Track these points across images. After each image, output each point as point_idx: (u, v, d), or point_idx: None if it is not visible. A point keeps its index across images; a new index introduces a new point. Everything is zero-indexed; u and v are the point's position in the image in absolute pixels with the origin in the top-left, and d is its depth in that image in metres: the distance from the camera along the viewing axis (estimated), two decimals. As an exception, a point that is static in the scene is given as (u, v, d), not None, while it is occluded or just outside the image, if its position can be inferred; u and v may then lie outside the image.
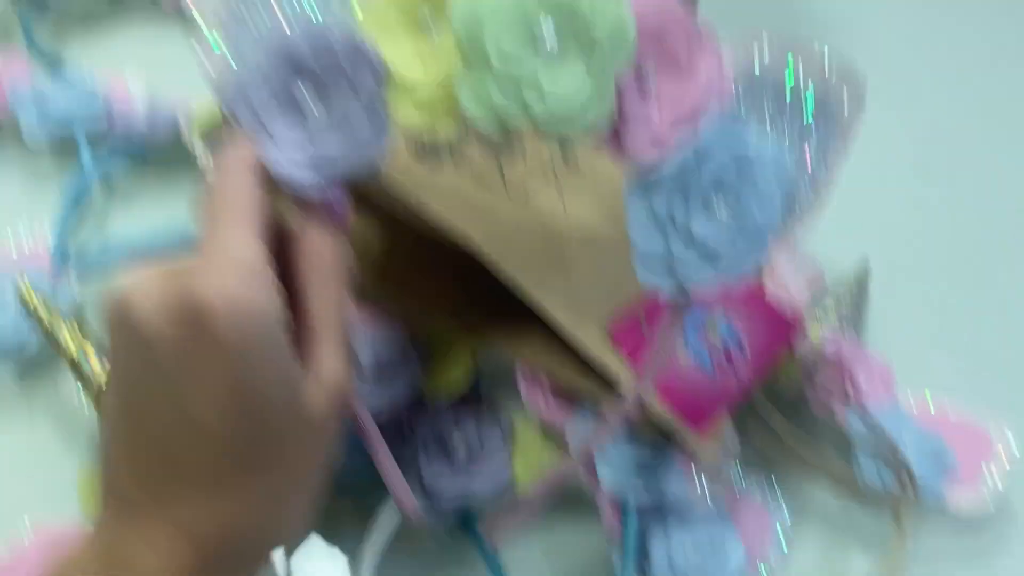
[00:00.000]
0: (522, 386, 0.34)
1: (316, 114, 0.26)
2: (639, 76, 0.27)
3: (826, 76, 0.30)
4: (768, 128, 0.29)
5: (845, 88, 0.30)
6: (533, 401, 0.35)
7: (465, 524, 0.37)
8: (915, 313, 0.46)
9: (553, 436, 0.37)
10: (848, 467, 0.39)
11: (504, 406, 0.37)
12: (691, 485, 0.36)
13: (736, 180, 0.27)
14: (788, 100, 0.29)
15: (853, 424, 0.40)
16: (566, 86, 0.25)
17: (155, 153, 0.47)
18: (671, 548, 0.36)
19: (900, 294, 0.46)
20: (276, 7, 0.28)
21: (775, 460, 0.39)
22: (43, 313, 0.37)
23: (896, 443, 0.38)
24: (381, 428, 0.30)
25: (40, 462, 0.38)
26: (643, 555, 0.36)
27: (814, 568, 0.39)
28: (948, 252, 0.49)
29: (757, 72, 0.29)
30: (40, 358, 0.39)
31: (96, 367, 0.35)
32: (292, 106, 0.26)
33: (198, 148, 0.45)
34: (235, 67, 0.27)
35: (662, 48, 0.27)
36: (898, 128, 0.53)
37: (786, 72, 0.29)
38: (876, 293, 0.46)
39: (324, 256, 0.26)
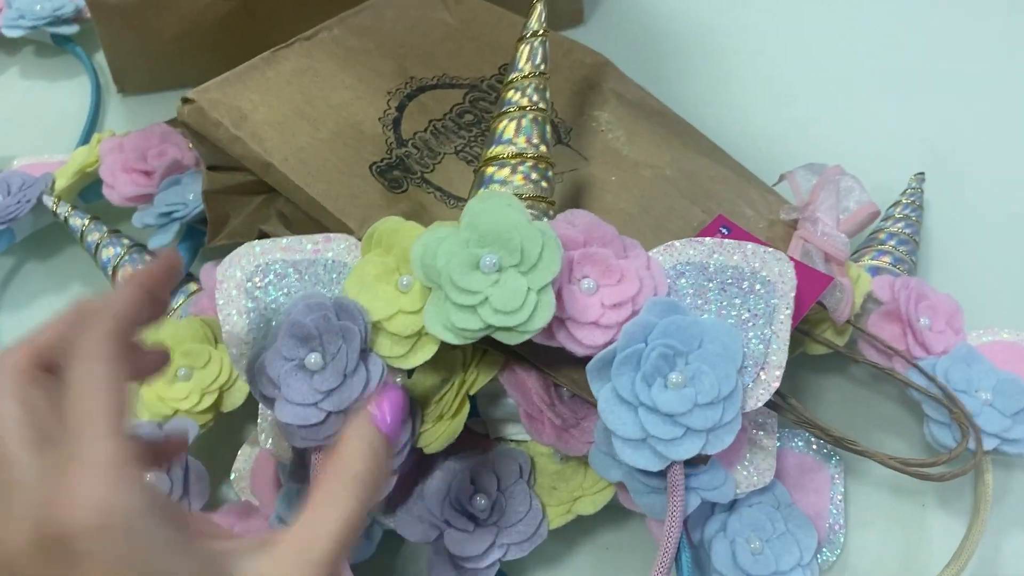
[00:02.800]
0: (526, 422, 0.33)
1: (319, 365, 0.31)
2: (574, 278, 0.32)
3: (761, 258, 0.34)
4: (712, 307, 0.33)
5: (777, 268, 0.34)
6: (543, 436, 0.34)
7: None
8: (978, 248, 0.45)
9: (575, 459, 0.35)
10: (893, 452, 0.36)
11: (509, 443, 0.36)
12: (734, 472, 0.34)
13: (682, 346, 0.31)
14: (729, 280, 0.33)
15: (914, 377, 0.38)
16: (513, 301, 0.30)
17: (25, 232, 0.47)
18: (734, 545, 0.34)
19: (953, 222, 0.46)
20: (283, 289, 0.34)
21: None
22: None
23: (967, 391, 0.37)
24: (389, 499, 0.33)
25: None
26: (705, 555, 0.34)
27: (885, 535, 0.37)
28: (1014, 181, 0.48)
29: (700, 260, 0.34)
30: None
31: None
32: (301, 367, 0.32)
33: (64, 211, 0.44)
34: (255, 351, 0.33)
35: (590, 256, 0.32)
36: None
37: (725, 258, 0.34)
38: (936, 229, 0.45)
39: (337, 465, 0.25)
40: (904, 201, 0.47)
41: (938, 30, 0.60)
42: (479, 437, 0.37)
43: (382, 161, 0.39)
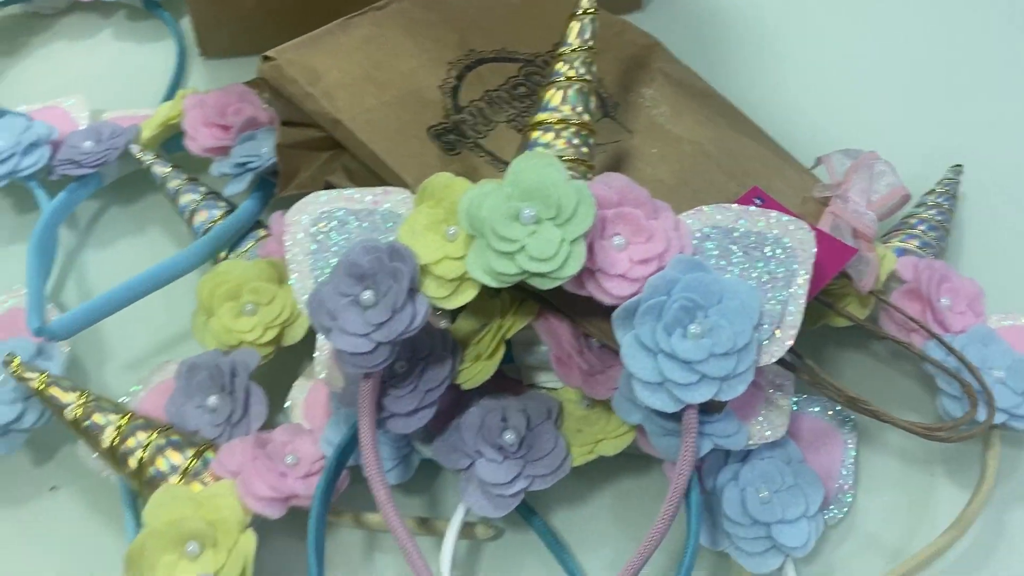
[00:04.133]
0: (556, 366, 0.36)
1: (371, 301, 0.35)
2: (606, 235, 0.34)
3: (784, 226, 0.36)
4: (735, 268, 0.36)
5: (799, 236, 0.36)
6: (571, 379, 0.36)
7: (525, 512, 0.39)
8: (1009, 244, 0.47)
9: (606, 407, 0.38)
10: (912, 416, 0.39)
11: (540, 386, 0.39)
12: (748, 424, 0.36)
13: (703, 300, 0.34)
14: (752, 244, 0.36)
15: (931, 351, 0.40)
16: (548, 249, 0.33)
17: (112, 178, 0.50)
18: (744, 493, 0.36)
19: (990, 213, 0.47)
20: (345, 239, 0.38)
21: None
22: (34, 380, 0.38)
23: (981, 368, 0.38)
24: (436, 422, 0.36)
25: (76, 540, 0.40)
26: (716, 502, 0.37)
27: (892, 501, 0.39)
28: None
29: (726, 225, 0.36)
30: (49, 429, 0.41)
31: (101, 421, 0.38)
32: (355, 303, 0.35)
33: (148, 159, 0.48)
34: (316, 286, 0.36)
35: (623, 215, 0.35)
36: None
37: (750, 224, 0.36)
38: (969, 222, 0.47)
39: None
40: (938, 190, 0.48)
41: (988, 25, 0.61)
42: (513, 382, 0.40)
43: (439, 125, 0.42)
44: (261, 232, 0.46)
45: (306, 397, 0.42)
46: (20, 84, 0.59)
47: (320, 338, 0.40)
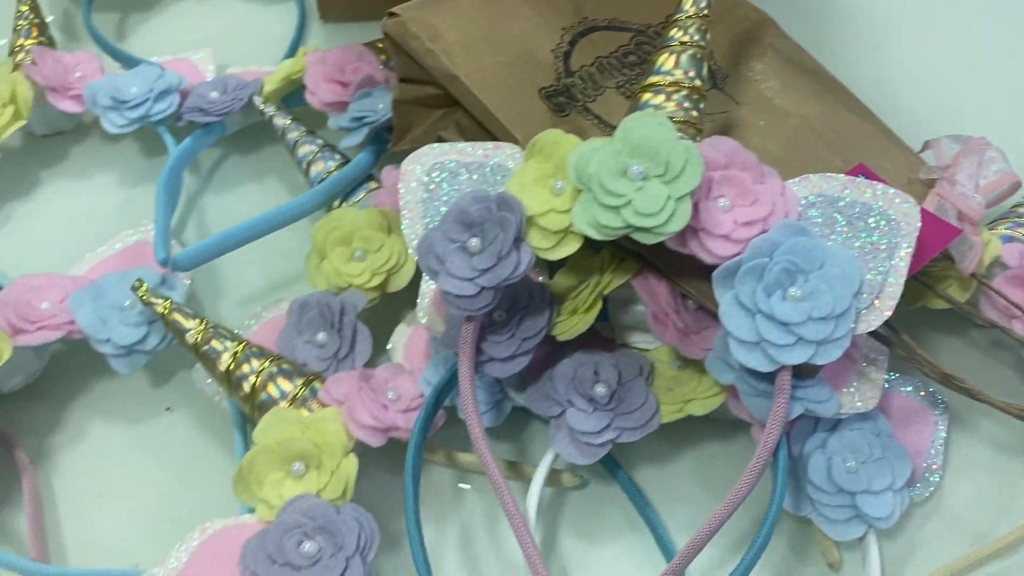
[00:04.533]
0: (652, 323, 0.37)
1: (477, 248, 0.36)
2: (712, 196, 0.35)
3: (889, 199, 0.36)
4: (838, 237, 0.36)
5: (904, 208, 0.36)
6: (666, 336, 0.37)
7: (611, 465, 0.40)
8: None
9: (697, 368, 0.39)
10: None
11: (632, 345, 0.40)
12: (839, 393, 0.36)
13: (805, 265, 0.34)
14: (857, 215, 0.36)
15: None
16: (654, 205, 0.34)
17: (234, 127, 0.53)
18: (830, 461, 0.37)
19: None
20: (454, 190, 0.39)
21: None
22: (159, 305, 0.41)
23: None
24: (529, 372, 0.38)
25: (188, 458, 0.43)
26: (802, 468, 0.37)
27: (980, 486, 0.39)
28: None
29: (832, 194, 0.37)
30: (166, 354, 0.43)
31: (218, 347, 0.40)
32: (462, 249, 0.37)
33: (270, 110, 0.51)
34: (426, 232, 0.38)
35: (730, 178, 0.35)
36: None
37: (856, 194, 0.36)
38: None
39: None
40: (1051, 181, 0.47)
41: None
42: (606, 340, 0.41)
43: (550, 87, 0.43)
44: (373, 184, 0.48)
45: (407, 341, 0.44)
46: (153, 38, 0.63)
47: (423, 286, 0.42)
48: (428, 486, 0.41)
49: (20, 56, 0.55)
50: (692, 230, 0.35)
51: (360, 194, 0.48)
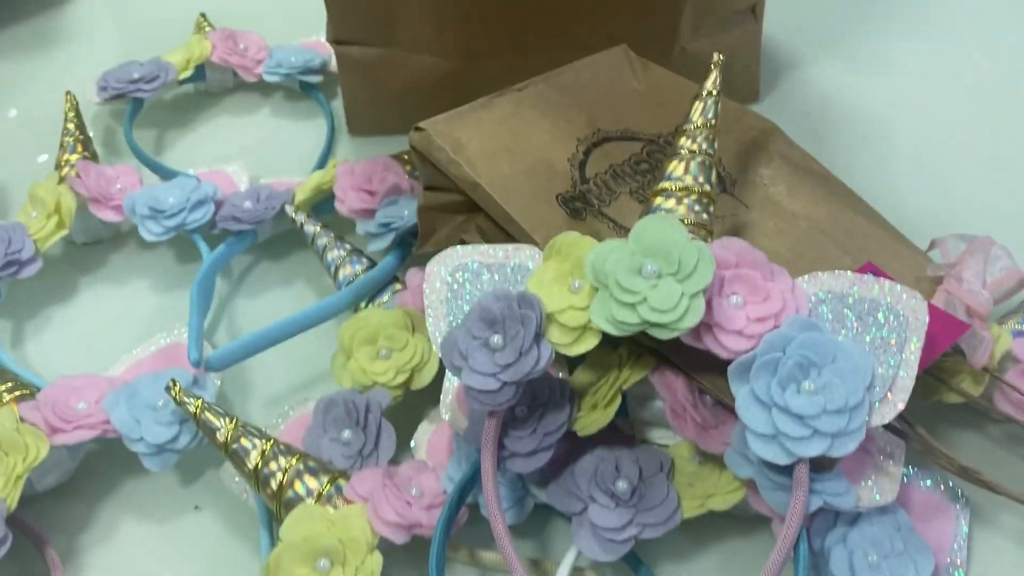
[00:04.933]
0: (671, 418, 0.38)
1: (499, 345, 0.38)
2: (724, 293, 0.37)
3: (897, 295, 0.38)
4: (848, 332, 0.37)
5: (911, 304, 0.37)
6: (685, 431, 0.38)
7: (633, 562, 0.40)
8: None
9: (717, 464, 0.39)
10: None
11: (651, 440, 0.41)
12: (857, 487, 0.36)
13: (817, 359, 0.35)
14: (866, 310, 0.37)
15: None
16: (668, 302, 0.35)
17: (265, 235, 0.56)
18: (852, 555, 0.36)
19: None
20: (477, 289, 0.41)
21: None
22: (191, 404, 0.42)
23: None
24: (550, 468, 0.39)
25: (215, 555, 0.43)
26: (823, 563, 0.37)
27: None
28: None
29: (841, 291, 0.38)
30: (195, 453, 0.45)
31: (247, 445, 0.41)
32: (485, 345, 0.38)
33: (300, 218, 0.53)
34: (450, 330, 0.40)
35: (741, 276, 0.37)
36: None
37: (864, 291, 0.38)
38: None
39: None
40: (1058, 278, 0.49)
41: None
42: (625, 437, 0.42)
43: (567, 193, 0.46)
44: (398, 286, 0.50)
45: (429, 438, 0.45)
46: (191, 151, 0.66)
47: (446, 384, 0.43)
48: (452, 584, 0.42)
49: (65, 170, 0.58)
50: (706, 326, 0.36)
51: (386, 295, 0.50)
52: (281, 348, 0.48)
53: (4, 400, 0.46)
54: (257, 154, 0.65)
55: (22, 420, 0.43)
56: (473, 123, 0.46)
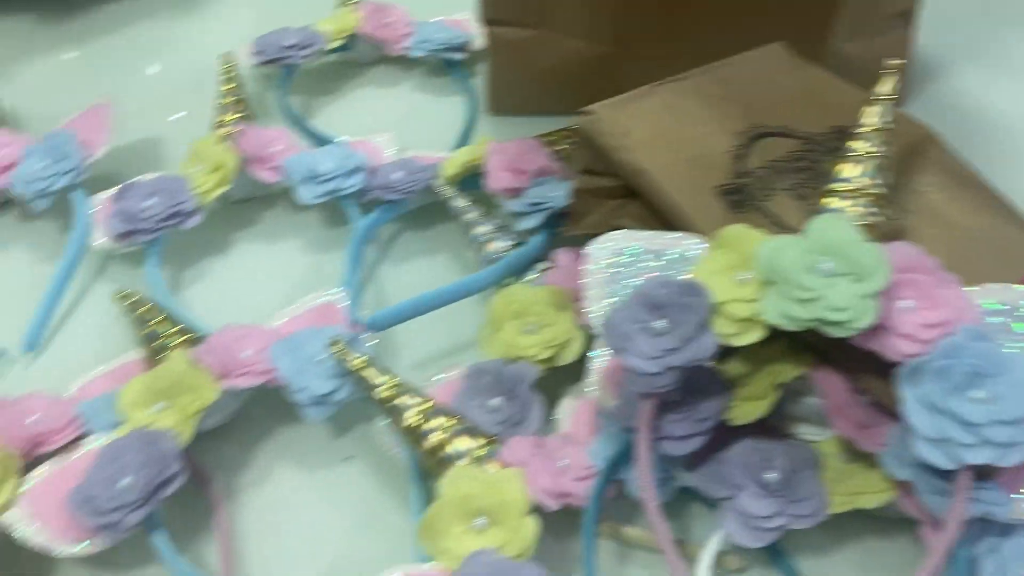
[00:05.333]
0: (830, 415, 0.38)
1: (662, 330, 0.39)
2: (896, 297, 0.37)
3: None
4: (1020, 345, 0.37)
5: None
6: (843, 428, 0.39)
7: (773, 553, 0.41)
8: None
9: (865, 463, 0.40)
10: None
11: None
12: (1016, 497, 0.36)
13: (990, 369, 0.35)
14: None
15: None
16: (844, 301, 0.36)
17: (412, 205, 0.58)
18: (1005, 567, 0.36)
19: None
20: (638, 274, 0.42)
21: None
22: (354, 361, 0.44)
23: None
24: (698, 454, 0.40)
25: (363, 506, 0.45)
26: (972, 570, 0.37)
27: None
28: None
29: (1011, 303, 0.38)
30: (349, 410, 0.47)
31: (406, 403, 0.43)
32: (647, 330, 0.39)
33: (449, 192, 0.55)
34: (611, 311, 0.41)
35: (913, 281, 0.37)
36: None
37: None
38: None
39: None
40: None
41: None
42: (772, 429, 0.43)
43: (726, 186, 0.46)
44: (545, 264, 0.52)
45: (572, 414, 0.46)
46: (333, 120, 0.69)
47: (594, 363, 0.44)
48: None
49: (224, 130, 0.61)
50: (878, 328, 0.37)
51: (532, 274, 0.51)
52: (427, 316, 0.50)
53: (173, 343, 0.48)
54: (397, 127, 0.66)
55: (194, 363, 0.46)
56: (637, 110, 0.47)
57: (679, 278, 0.40)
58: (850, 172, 0.42)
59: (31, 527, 0.41)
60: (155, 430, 0.43)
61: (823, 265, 0.37)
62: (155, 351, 0.48)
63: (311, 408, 0.46)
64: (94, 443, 0.45)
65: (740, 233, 0.40)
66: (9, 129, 0.62)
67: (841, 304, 0.36)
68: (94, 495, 0.41)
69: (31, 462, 0.44)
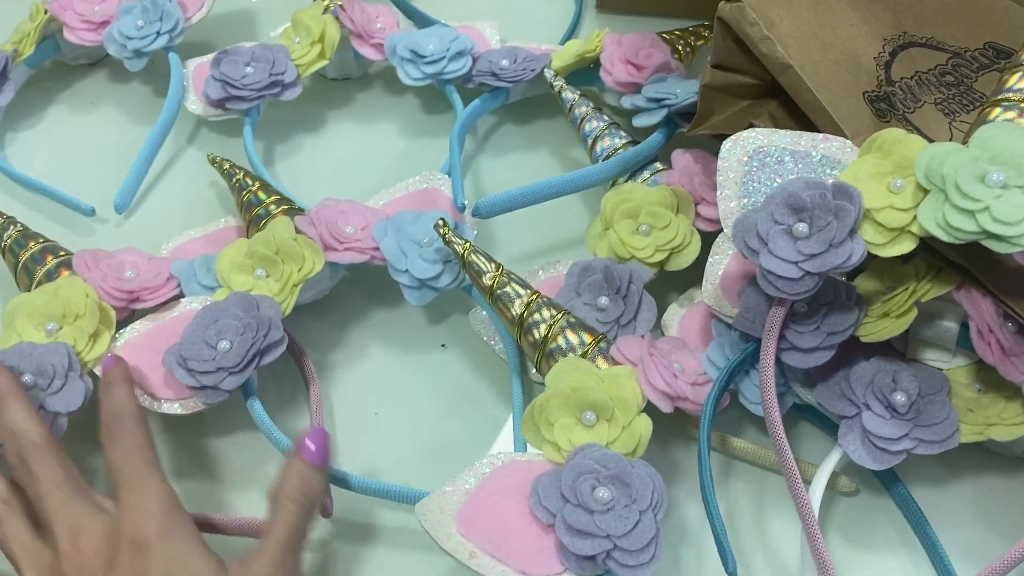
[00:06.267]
0: (975, 338, 0.36)
1: (804, 233, 0.36)
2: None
3: None
4: None
5: None
6: (987, 353, 0.36)
7: (888, 479, 0.40)
8: None
9: (999, 393, 0.38)
10: None
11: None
12: None
13: None
14: None
15: None
16: (1014, 215, 0.33)
17: (516, 97, 0.56)
18: None
19: None
20: (776, 175, 0.40)
21: None
22: (460, 245, 0.42)
23: None
24: (820, 370, 0.38)
25: (458, 393, 0.44)
26: None
27: None
28: None
29: None
30: (442, 297, 0.45)
31: (512, 293, 0.41)
32: (787, 232, 0.37)
33: (559, 84, 0.53)
34: (746, 212, 0.39)
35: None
36: None
37: None
38: None
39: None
40: None
41: None
42: (898, 353, 0.41)
43: (873, 92, 0.43)
44: (658, 165, 0.49)
45: (680, 320, 0.44)
46: (436, 6, 0.65)
47: (709, 268, 0.42)
48: (691, 463, 0.42)
49: (325, 2, 0.58)
50: (1045, 247, 0.34)
51: (645, 174, 0.49)
52: (525, 212, 0.48)
53: (272, 212, 0.47)
54: (500, 18, 0.63)
55: (298, 232, 0.44)
56: (784, 4, 0.44)
57: (824, 181, 0.38)
58: (1020, 83, 0.38)
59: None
60: (258, 295, 0.42)
61: (992, 175, 0.34)
62: (255, 218, 0.46)
63: (412, 291, 0.44)
64: (189, 304, 0.44)
65: (897, 137, 0.37)
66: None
67: (1010, 217, 0.33)
68: (191, 355, 0.40)
69: (126, 318, 0.43)
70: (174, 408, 0.40)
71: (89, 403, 0.39)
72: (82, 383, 0.40)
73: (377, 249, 0.45)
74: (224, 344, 0.40)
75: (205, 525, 0.37)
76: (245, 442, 0.43)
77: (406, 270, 0.44)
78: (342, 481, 0.39)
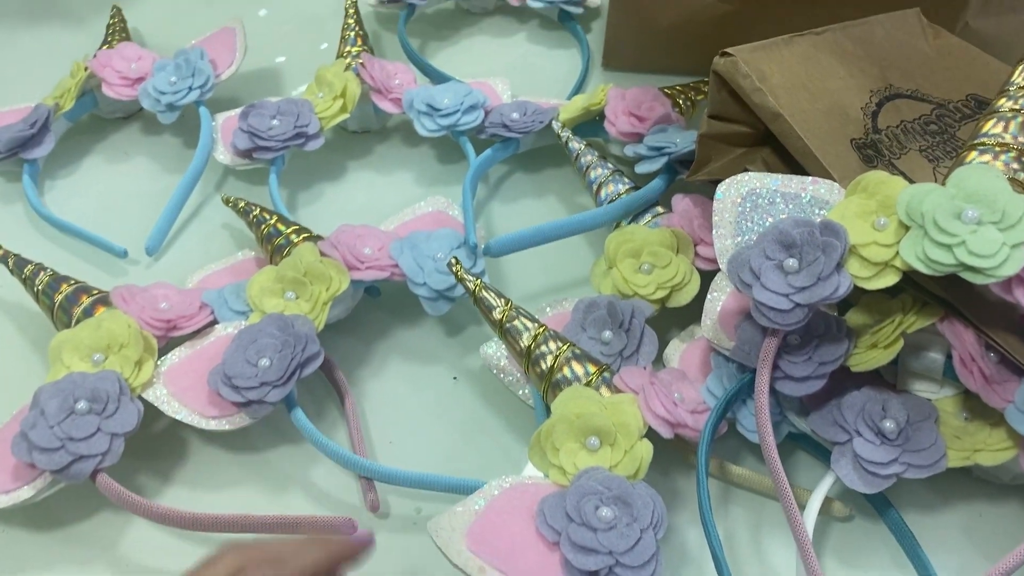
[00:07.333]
0: (958, 367, 0.38)
1: (794, 268, 0.39)
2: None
3: None
4: None
5: None
6: (971, 381, 0.38)
7: (880, 503, 0.41)
8: None
9: (985, 421, 0.39)
10: None
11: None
12: None
13: None
14: None
15: None
16: (987, 248, 0.36)
17: (525, 147, 0.59)
18: None
19: None
20: (768, 215, 0.42)
21: None
22: (471, 283, 0.45)
23: None
24: (813, 399, 0.40)
25: (466, 419, 0.47)
26: None
27: None
28: None
29: None
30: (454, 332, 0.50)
31: (521, 327, 0.44)
32: (779, 267, 0.39)
33: (566, 135, 0.55)
34: (739, 249, 0.41)
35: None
36: None
37: None
38: None
39: None
40: None
41: None
42: (888, 384, 0.43)
43: (859, 139, 0.46)
44: (659, 209, 0.52)
45: (681, 354, 0.47)
46: (448, 64, 0.69)
47: (708, 304, 0.44)
48: (691, 490, 0.43)
49: (348, 60, 0.62)
50: (1018, 279, 0.36)
51: (646, 217, 0.52)
52: (534, 252, 0.51)
53: (294, 240, 0.50)
54: (511, 76, 0.67)
55: (323, 255, 0.47)
56: (776, 57, 0.47)
57: (813, 219, 0.40)
58: (994, 128, 0.41)
59: (172, 403, 0.43)
60: (291, 315, 0.45)
61: (968, 212, 0.36)
62: (278, 248, 0.49)
63: (431, 302, 0.47)
64: (225, 330, 0.46)
65: (880, 178, 0.40)
66: (140, 44, 0.64)
67: (985, 251, 0.35)
68: (235, 374, 0.42)
69: (164, 346, 0.46)
70: (222, 425, 0.43)
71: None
72: (134, 405, 0.42)
73: (396, 266, 0.48)
74: (264, 361, 0.43)
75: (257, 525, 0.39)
76: (285, 451, 0.46)
77: (424, 283, 0.47)
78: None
